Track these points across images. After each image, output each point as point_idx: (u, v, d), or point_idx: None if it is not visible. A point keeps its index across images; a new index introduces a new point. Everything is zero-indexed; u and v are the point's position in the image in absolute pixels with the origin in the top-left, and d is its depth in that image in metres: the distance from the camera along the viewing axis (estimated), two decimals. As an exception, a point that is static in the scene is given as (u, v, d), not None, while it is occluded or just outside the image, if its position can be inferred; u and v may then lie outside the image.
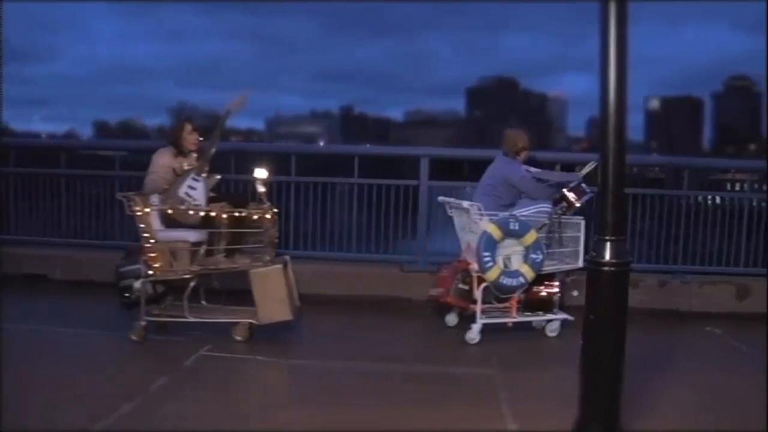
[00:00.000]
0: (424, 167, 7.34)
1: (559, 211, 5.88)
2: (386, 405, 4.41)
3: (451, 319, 6.23)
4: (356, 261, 7.36)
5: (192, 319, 5.61)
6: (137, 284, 5.56)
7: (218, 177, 5.93)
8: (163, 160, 5.80)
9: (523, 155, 6.28)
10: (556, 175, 6.24)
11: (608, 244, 3.51)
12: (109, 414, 4.05)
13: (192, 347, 5.31)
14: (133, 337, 5.47)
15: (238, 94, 5.91)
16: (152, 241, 5.49)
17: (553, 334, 6.01)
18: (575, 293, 6.05)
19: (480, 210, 5.86)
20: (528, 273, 5.74)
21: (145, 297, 5.56)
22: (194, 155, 5.85)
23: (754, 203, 7.72)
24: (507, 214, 5.82)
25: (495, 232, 5.68)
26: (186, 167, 5.76)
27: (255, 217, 5.53)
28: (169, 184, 5.70)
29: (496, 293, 5.88)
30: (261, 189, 5.52)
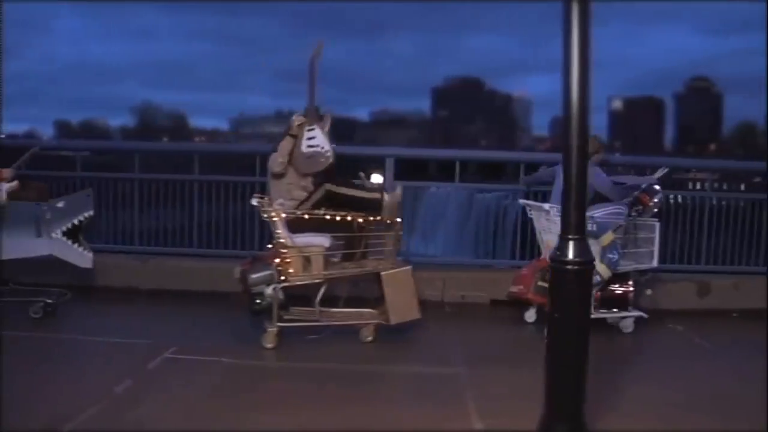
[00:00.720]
0: (390, 167, 7.34)
1: (635, 213, 6.15)
2: (357, 405, 4.41)
3: (530, 315, 6.38)
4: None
5: (325, 323, 5.72)
6: (269, 290, 5.55)
7: (330, 116, 6.04)
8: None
9: (596, 158, 6.37)
10: (631, 178, 6.51)
11: (571, 243, 3.55)
12: (75, 417, 4.01)
13: (156, 350, 5.26)
14: (268, 345, 5.49)
15: (314, 44, 5.95)
16: (288, 246, 5.56)
17: (628, 331, 6.25)
18: (649, 292, 6.49)
19: (559, 211, 5.93)
20: (604, 272, 5.99)
21: (277, 303, 5.56)
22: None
23: (714, 201, 7.86)
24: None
25: None
26: (296, 124, 5.81)
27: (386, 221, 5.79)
28: (288, 153, 5.75)
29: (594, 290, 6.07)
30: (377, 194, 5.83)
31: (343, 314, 5.90)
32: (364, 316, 5.85)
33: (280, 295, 5.58)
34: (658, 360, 5.60)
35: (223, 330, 5.90)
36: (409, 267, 5.83)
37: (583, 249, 3.56)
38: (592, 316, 5.46)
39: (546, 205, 6.27)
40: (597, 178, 6.18)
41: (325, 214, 5.61)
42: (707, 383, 5.00)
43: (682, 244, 7.73)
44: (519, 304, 6.49)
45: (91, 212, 6.15)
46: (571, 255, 3.53)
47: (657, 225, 6.32)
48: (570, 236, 3.55)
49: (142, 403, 4.29)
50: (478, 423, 4.19)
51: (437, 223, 8.24)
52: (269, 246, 5.85)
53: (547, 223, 6.26)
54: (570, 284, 3.57)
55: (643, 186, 6.24)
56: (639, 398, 4.62)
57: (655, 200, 6.20)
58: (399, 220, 5.81)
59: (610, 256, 6.01)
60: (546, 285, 5.63)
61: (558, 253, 3.58)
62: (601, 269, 5.95)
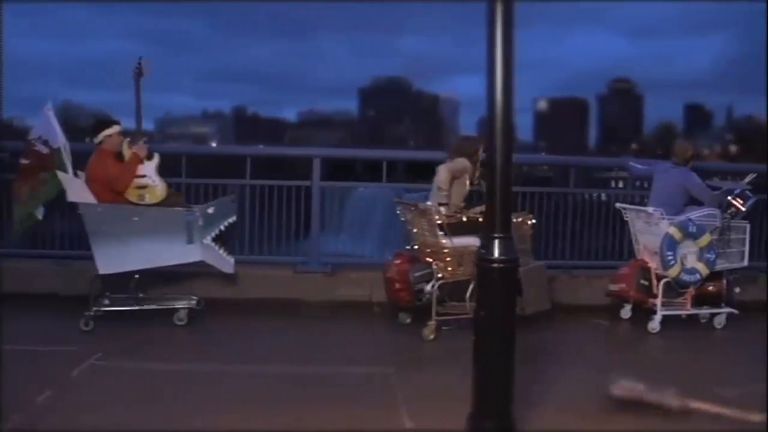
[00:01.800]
0: (317, 168, 7.28)
1: (728, 216, 6.63)
2: (285, 407, 4.37)
3: (626, 312, 6.85)
4: (249, 263, 7.23)
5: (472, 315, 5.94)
6: (428, 287, 6.08)
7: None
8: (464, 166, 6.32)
9: (692, 163, 6.86)
10: (725, 184, 7.01)
11: (496, 242, 3.57)
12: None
13: (80, 356, 5.13)
14: (430, 336, 5.99)
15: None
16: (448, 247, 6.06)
17: (720, 326, 6.70)
18: (737, 290, 6.89)
19: (662, 215, 6.51)
20: (703, 270, 6.50)
21: (436, 299, 6.04)
22: None
23: (637, 199, 8.04)
24: (684, 217, 6.54)
25: (676, 234, 6.42)
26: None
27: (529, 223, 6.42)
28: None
29: (676, 288, 6.64)
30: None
31: None
32: None
33: (437, 292, 6.05)
34: (581, 355, 5.70)
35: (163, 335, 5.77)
36: (543, 263, 6.49)
37: (508, 247, 3.59)
38: (690, 312, 6.65)
39: (650, 209, 6.71)
40: (694, 182, 6.75)
41: (477, 217, 6.02)
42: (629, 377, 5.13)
43: (605, 241, 7.90)
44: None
45: (235, 218, 6.22)
46: (496, 253, 3.56)
47: (747, 227, 6.81)
48: (495, 235, 3.58)
49: (63, 412, 4.16)
50: (408, 422, 4.20)
51: (365, 224, 8.23)
52: (415, 247, 6.42)
53: (646, 225, 6.74)
54: (495, 282, 3.60)
55: (737, 191, 6.68)
56: (564, 392, 4.70)
57: (748, 204, 6.67)
58: (533, 221, 6.43)
59: (708, 255, 6.49)
60: (646, 283, 6.60)
61: (483, 251, 3.60)
62: (700, 267, 6.48)
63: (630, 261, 6.92)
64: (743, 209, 6.66)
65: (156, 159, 6.12)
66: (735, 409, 4.20)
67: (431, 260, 6.16)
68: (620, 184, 9.86)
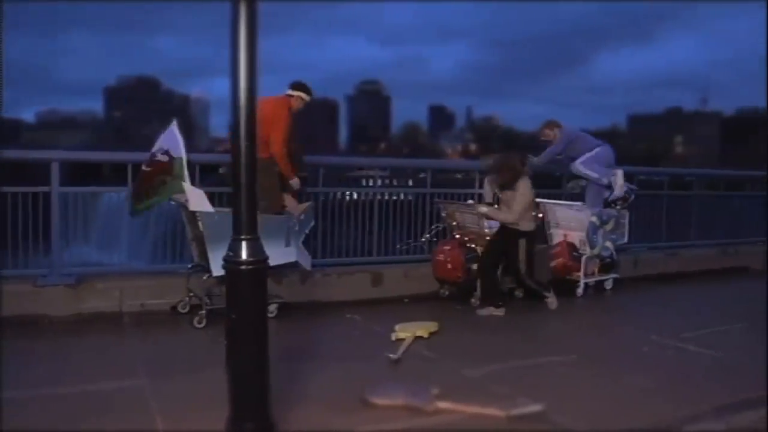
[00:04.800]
0: (55, 172, 6.81)
1: (618, 206, 8.76)
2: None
3: (608, 284, 8.79)
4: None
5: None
6: (473, 266, 7.55)
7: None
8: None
9: None
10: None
11: (244, 243, 3.57)
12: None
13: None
14: (477, 303, 7.47)
15: None
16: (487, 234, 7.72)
17: (609, 287, 8.77)
18: None
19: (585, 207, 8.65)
20: (611, 247, 8.60)
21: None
22: None
23: (386, 197, 8.42)
24: (597, 210, 8.58)
25: (598, 221, 8.41)
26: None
27: None
28: None
29: (599, 261, 8.63)
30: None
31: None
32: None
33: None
34: (338, 348, 5.83)
35: None
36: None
37: (256, 249, 3.60)
38: (599, 278, 8.67)
39: (576, 204, 8.79)
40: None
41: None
42: (377, 366, 5.38)
43: (356, 239, 8.19)
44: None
45: (314, 223, 7.16)
46: (244, 255, 3.57)
47: (627, 213, 8.88)
48: (242, 236, 3.59)
49: None
50: (161, 425, 4.10)
51: (115, 230, 7.88)
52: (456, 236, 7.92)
53: (566, 217, 8.68)
54: (245, 284, 3.61)
55: (626, 189, 8.86)
56: (323, 386, 4.77)
57: (632, 198, 8.93)
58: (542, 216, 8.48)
59: (613, 236, 8.62)
60: (577, 255, 8.40)
61: (231, 254, 3.60)
62: (609, 245, 8.54)
63: (559, 243, 8.53)
64: (629, 201, 8.84)
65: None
66: (479, 406, 4.46)
67: (474, 245, 7.70)
68: (371, 183, 10.20)
